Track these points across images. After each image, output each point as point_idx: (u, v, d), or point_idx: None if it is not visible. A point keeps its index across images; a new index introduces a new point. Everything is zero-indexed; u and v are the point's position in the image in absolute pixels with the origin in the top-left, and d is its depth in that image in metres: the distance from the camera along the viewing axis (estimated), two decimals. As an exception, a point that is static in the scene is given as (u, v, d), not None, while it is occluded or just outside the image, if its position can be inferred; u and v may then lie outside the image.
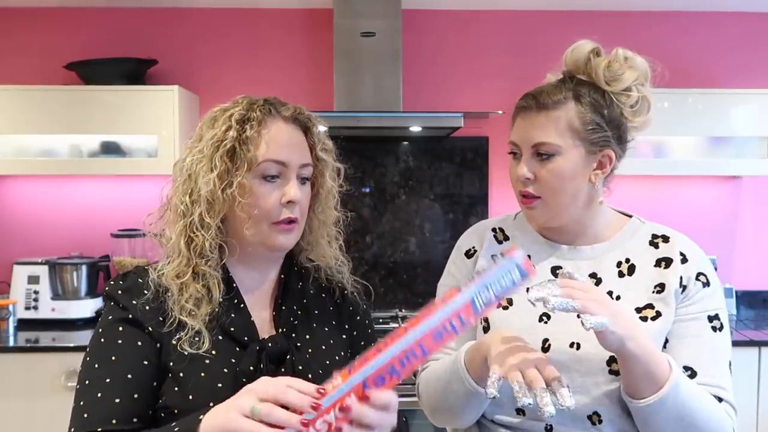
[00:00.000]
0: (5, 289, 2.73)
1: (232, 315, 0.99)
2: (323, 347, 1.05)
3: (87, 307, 2.66)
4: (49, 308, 2.63)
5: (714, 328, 1.08)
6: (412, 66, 2.87)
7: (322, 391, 0.74)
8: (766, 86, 2.88)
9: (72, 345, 2.34)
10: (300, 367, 0.99)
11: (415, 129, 2.66)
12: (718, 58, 2.94)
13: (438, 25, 2.93)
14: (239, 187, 0.97)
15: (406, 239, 2.95)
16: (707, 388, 1.04)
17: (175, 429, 0.83)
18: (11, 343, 2.39)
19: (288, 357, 0.99)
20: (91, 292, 2.70)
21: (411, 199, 2.94)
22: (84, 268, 2.69)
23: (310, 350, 1.03)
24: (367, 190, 2.92)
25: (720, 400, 1.05)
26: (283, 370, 0.98)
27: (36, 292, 2.63)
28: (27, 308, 2.62)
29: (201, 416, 0.80)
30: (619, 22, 2.91)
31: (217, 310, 0.97)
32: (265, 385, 0.78)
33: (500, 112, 2.56)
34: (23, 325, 2.57)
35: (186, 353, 0.94)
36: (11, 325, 2.49)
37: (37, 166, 2.63)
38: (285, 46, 2.92)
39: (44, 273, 2.64)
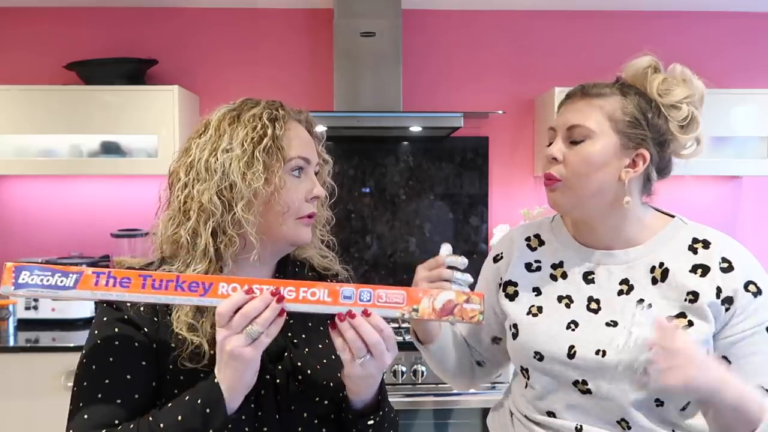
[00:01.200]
0: (5, 289, 2.72)
1: None
2: (320, 345, 1.04)
3: (87, 307, 2.65)
4: (49, 308, 2.62)
5: None
6: (412, 66, 2.87)
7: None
8: (766, 86, 2.88)
9: (72, 345, 2.34)
10: (299, 364, 0.99)
11: (415, 129, 2.66)
12: (719, 58, 2.94)
13: (438, 25, 2.93)
14: (278, 182, 0.98)
15: (406, 239, 2.95)
16: None
17: (198, 401, 0.86)
18: (11, 343, 2.39)
19: (285, 354, 0.99)
20: (91, 292, 2.70)
21: (411, 199, 2.94)
22: (84, 268, 2.68)
23: (306, 347, 1.03)
24: (367, 190, 2.92)
25: None
26: (280, 367, 0.98)
27: (36, 292, 2.63)
28: (27, 308, 2.62)
29: (214, 378, 0.86)
30: (618, 22, 2.91)
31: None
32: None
33: (500, 112, 2.56)
34: (23, 325, 2.57)
35: (185, 367, 0.92)
36: (11, 325, 2.49)
37: (37, 166, 2.63)
38: (285, 46, 2.92)
39: (44, 273, 2.64)
